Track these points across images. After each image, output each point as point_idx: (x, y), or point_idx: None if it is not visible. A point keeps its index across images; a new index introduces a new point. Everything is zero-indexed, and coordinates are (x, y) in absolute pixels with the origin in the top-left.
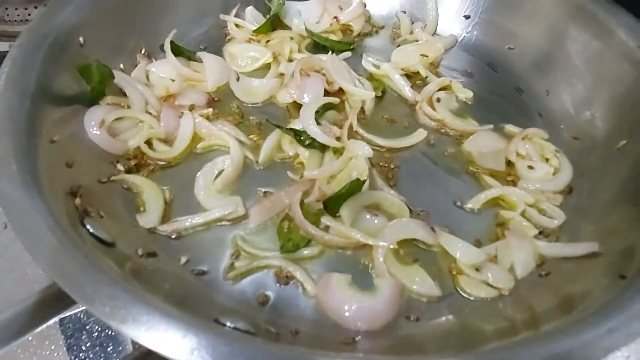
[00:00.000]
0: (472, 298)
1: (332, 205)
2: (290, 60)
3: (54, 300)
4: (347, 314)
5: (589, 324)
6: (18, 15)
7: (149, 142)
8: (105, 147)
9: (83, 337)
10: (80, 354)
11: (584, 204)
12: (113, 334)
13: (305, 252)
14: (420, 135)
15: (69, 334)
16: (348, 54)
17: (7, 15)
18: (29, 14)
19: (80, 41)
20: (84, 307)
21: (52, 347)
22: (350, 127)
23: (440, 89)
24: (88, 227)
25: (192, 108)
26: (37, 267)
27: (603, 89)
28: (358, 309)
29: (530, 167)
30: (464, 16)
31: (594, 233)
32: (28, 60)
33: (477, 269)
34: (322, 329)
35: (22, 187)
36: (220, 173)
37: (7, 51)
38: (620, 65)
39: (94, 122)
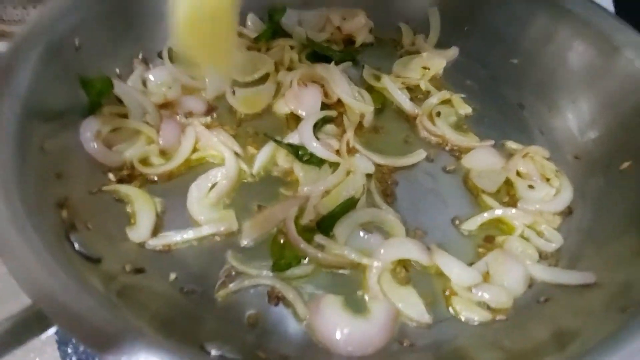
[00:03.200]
0: (463, 319)
1: (325, 224)
2: (290, 69)
3: None
4: (338, 338)
5: (590, 358)
6: (17, 15)
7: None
8: (101, 159)
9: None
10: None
11: (585, 228)
12: None
13: (297, 271)
14: (419, 155)
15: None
16: (349, 64)
17: (5, 14)
18: (28, 14)
19: (75, 44)
20: None
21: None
22: (347, 143)
23: (440, 103)
24: (73, 242)
25: (189, 115)
26: None
27: (607, 108)
28: (350, 333)
29: (530, 187)
30: (467, 28)
31: (595, 259)
32: (21, 64)
33: (471, 289)
34: (312, 354)
35: (5, 201)
36: (214, 186)
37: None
38: (625, 85)
39: (90, 134)
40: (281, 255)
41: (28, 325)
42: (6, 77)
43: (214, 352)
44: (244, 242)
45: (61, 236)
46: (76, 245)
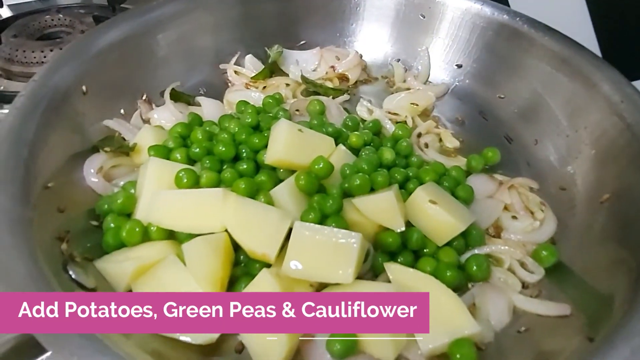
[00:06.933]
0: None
1: None
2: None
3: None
4: None
5: None
6: (34, 57)
7: None
8: (102, 192)
9: None
10: None
11: (567, 259)
12: None
13: None
14: None
15: None
16: (346, 97)
17: (25, 57)
18: (45, 56)
19: (83, 90)
20: None
21: None
22: None
23: (428, 133)
24: (70, 272)
25: None
26: None
27: (587, 141)
28: None
29: (514, 218)
30: (456, 65)
31: (574, 290)
32: (30, 110)
33: None
34: None
35: (9, 237)
36: None
37: None
38: (603, 119)
39: (93, 170)
40: None
41: (22, 351)
42: (16, 123)
43: None
44: None
45: (59, 267)
46: (73, 275)
